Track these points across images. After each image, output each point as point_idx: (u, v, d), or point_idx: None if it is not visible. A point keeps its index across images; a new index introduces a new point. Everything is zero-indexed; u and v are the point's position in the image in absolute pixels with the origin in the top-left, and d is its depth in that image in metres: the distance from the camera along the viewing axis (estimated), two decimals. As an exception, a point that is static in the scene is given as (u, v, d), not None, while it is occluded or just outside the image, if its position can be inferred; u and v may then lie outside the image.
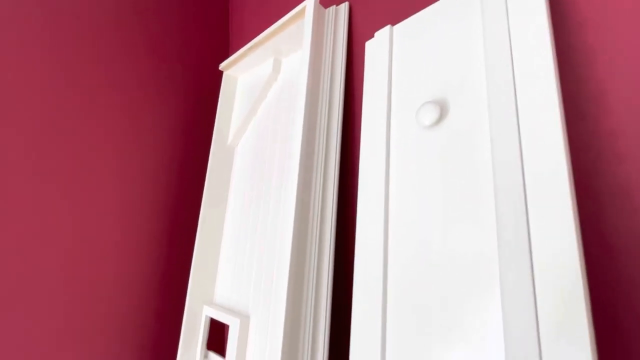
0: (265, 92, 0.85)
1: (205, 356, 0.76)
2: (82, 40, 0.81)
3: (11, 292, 0.67)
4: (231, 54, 1.05)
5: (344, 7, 0.73)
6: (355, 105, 0.71)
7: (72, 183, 0.76)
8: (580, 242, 0.33)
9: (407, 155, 0.53)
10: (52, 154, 0.74)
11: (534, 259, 0.35)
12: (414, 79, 0.55)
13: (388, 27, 0.61)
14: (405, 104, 0.56)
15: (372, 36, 0.66)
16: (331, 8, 0.73)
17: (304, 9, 0.70)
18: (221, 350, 0.84)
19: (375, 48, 0.63)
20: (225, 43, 1.14)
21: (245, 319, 0.68)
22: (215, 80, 1.03)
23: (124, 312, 0.80)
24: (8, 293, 0.66)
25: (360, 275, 0.54)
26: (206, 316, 0.76)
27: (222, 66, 0.95)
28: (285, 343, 0.58)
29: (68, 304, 0.72)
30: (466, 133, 0.46)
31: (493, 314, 0.37)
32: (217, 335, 0.84)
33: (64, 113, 0.76)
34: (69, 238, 0.74)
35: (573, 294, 0.31)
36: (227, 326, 0.73)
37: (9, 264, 0.67)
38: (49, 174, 0.73)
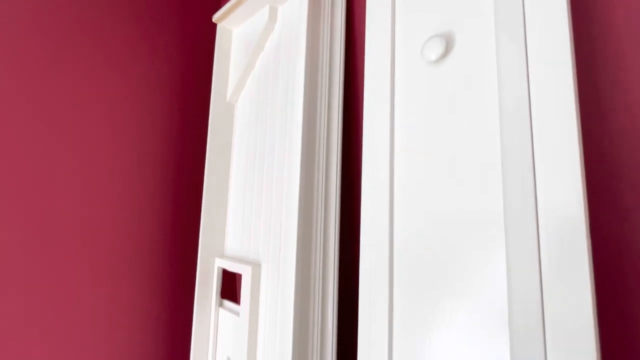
0: (262, 43, 0.82)
1: (220, 304, 0.80)
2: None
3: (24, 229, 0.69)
4: (224, 5, 1.00)
5: (341, -58, 0.68)
6: (357, 48, 0.68)
7: (74, 142, 0.76)
8: (585, 191, 0.32)
9: (413, 94, 0.52)
10: (47, 113, 0.73)
11: (539, 206, 0.34)
12: (418, 14, 0.53)
13: (390, -41, 0.57)
14: (410, 40, 0.54)
15: (373, -28, 0.62)
16: (328, -56, 0.68)
17: (299, -54, 0.66)
18: (235, 299, 0.88)
19: (377, -17, 0.59)
20: (216, -6, 1.08)
21: (256, 266, 0.70)
22: (210, 34, 0.99)
23: (143, 268, 0.83)
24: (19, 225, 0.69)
25: (367, 225, 0.55)
26: (218, 267, 0.79)
27: (215, 18, 0.91)
28: (297, 286, 0.60)
29: (82, 261, 0.75)
30: (473, 70, 0.44)
31: (497, 266, 0.37)
32: (230, 285, 0.88)
33: (58, 77, 0.74)
34: (79, 190, 0.75)
35: (575, 243, 0.31)
36: (239, 276, 0.76)
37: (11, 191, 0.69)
38: (47, 131, 0.73)
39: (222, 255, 0.83)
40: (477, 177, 0.41)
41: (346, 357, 0.68)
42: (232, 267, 0.75)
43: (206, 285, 0.81)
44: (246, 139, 0.83)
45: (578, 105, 0.34)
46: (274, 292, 0.67)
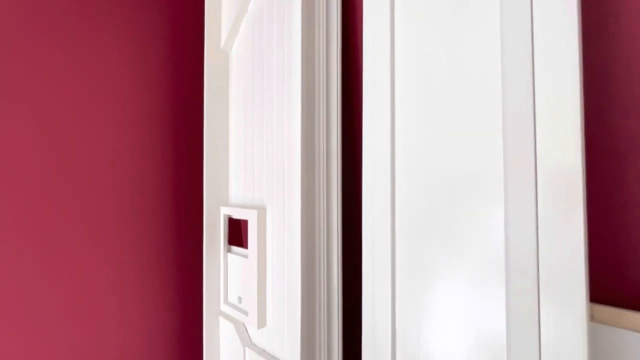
0: (254, -18, 0.77)
1: (228, 250, 0.83)
2: None
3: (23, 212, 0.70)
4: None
5: None
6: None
7: (69, 95, 0.74)
8: (584, 144, 0.32)
9: (412, 43, 0.49)
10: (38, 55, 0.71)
11: (538, 157, 0.34)
12: None
13: None
14: None
15: None
16: None
17: None
18: (242, 246, 0.91)
19: None
20: None
21: (262, 210, 0.72)
22: (197, -22, 0.94)
23: (150, 221, 0.85)
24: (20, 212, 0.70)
25: (369, 173, 0.54)
26: (224, 215, 0.82)
27: (202, -43, 0.85)
28: (303, 227, 0.62)
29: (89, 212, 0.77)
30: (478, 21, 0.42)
31: (495, 216, 0.37)
32: (236, 235, 0.91)
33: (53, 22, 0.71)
34: (78, 144, 0.75)
35: (572, 194, 0.31)
36: (245, 224, 0.78)
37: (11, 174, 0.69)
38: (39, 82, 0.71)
39: (227, 204, 0.85)
40: (477, 129, 0.40)
41: (351, 296, 0.72)
42: (238, 214, 0.78)
43: (213, 233, 0.84)
44: (243, 85, 0.82)
45: (582, 59, 0.33)
46: (279, 234, 0.70)
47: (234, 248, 0.82)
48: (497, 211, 0.37)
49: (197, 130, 0.93)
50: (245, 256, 0.76)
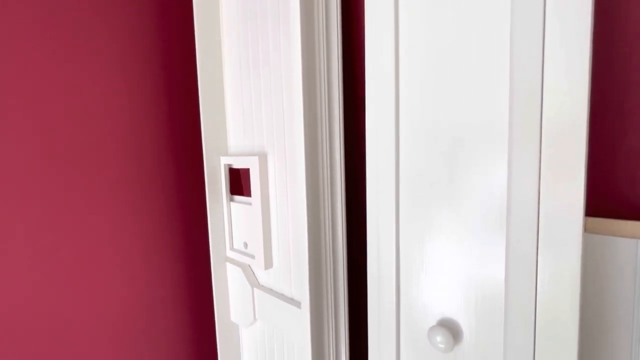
0: None
1: (231, 200, 0.84)
2: None
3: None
4: None
5: None
6: None
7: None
8: (589, 98, 0.31)
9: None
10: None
11: (544, 110, 0.33)
12: None
13: None
14: None
15: None
16: None
17: None
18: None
19: None
20: None
21: (262, 156, 0.73)
22: None
23: (153, 171, 0.85)
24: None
25: (372, 125, 0.52)
26: (224, 164, 0.82)
27: None
28: (308, 171, 0.63)
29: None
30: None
31: (499, 170, 0.37)
32: (238, 185, 0.92)
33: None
34: (77, 100, 0.73)
35: (574, 149, 0.32)
36: (246, 174, 0.79)
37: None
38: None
39: (227, 154, 0.85)
40: (483, 81, 0.39)
41: (356, 244, 0.75)
42: (239, 163, 0.78)
43: (215, 184, 0.85)
44: (236, 29, 0.78)
45: (594, 11, 0.31)
46: (282, 180, 0.71)
47: (237, 197, 0.83)
48: (500, 164, 0.37)
49: (192, 80, 0.90)
50: (249, 204, 0.78)
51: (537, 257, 0.34)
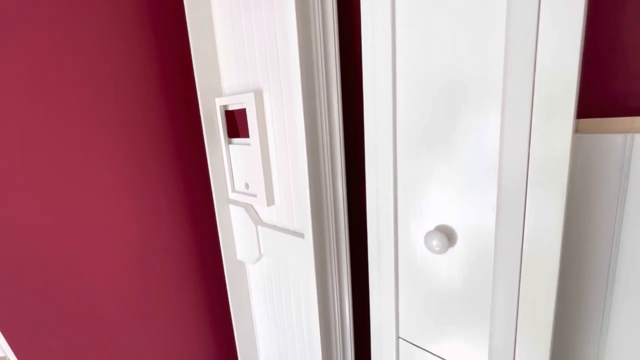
0: None
1: (230, 142, 0.85)
2: None
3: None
4: None
5: None
6: None
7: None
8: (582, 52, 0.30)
9: None
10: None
11: (537, 63, 0.33)
12: None
13: None
14: None
15: None
16: None
17: None
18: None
19: None
20: None
21: (258, 92, 0.72)
22: None
23: (149, 115, 0.84)
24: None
25: (370, 78, 0.49)
26: (220, 106, 0.81)
27: None
28: (305, 107, 0.62)
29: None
30: None
31: (492, 124, 0.37)
32: (235, 128, 0.92)
33: None
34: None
35: (565, 100, 0.31)
36: (243, 115, 0.78)
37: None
38: None
39: (222, 95, 0.84)
40: (478, 33, 0.37)
41: (354, 187, 0.76)
42: (234, 102, 0.77)
43: (212, 127, 0.85)
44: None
45: None
46: (279, 116, 0.71)
47: (235, 139, 0.83)
48: (494, 117, 0.38)
49: (182, 23, 0.86)
50: (247, 144, 0.78)
51: (525, 199, 0.36)
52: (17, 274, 0.70)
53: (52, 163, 0.72)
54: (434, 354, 0.49)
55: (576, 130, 0.34)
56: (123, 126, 0.81)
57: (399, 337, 0.54)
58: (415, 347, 0.51)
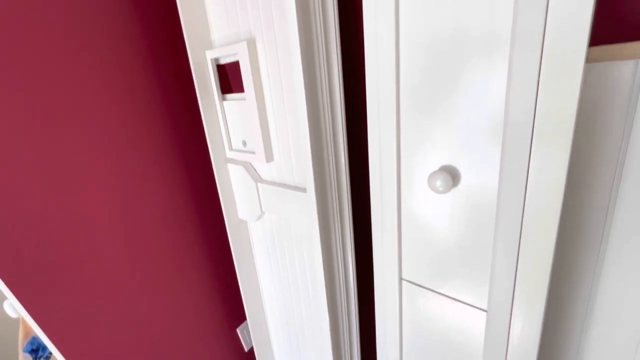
0: None
1: (224, 99, 0.82)
2: None
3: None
4: None
5: None
6: None
7: None
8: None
9: None
10: None
11: (548, 20, 0.31)
12: None
13: None
14: None
15: None
16: None
17: None
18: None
19: None
20: None
21: (251, 41, 0.68)
22: None
23: (137, 73, 0.80)
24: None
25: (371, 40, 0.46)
26: (211, 59, 0.77)
27: None
28: (303, 54, 0.59)
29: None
30: None
31: (498, 78, 0.36)
32: (229, 84, 0.89)
33: None
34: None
35: (575, 57, 0.30)
36: (235, 69, 0.75)
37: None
38: None
39: (212, 47, 0.80)
40: None
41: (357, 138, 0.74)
42: (226, 55, 0.73)
43: (204, 82, 0.81)
44: None
45: None
46: (274, 67, 0.68)
47: (229, 95, 0.80)
48: (501, 73, 0.36)
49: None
50: (242, 99, 0.76)
51: (530, 151, 0.36)
52: (23, 233, 0.70)
53: (44, 135, 0.70)
54: (436, 292, 0.51)
55: (586, 59, 0.33)
56: (106, 88, 0.78)
57: (401, 279, 0.55)
58: (418, 286, 0.53)
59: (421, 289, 0.53)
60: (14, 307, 0.81)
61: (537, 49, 0.33)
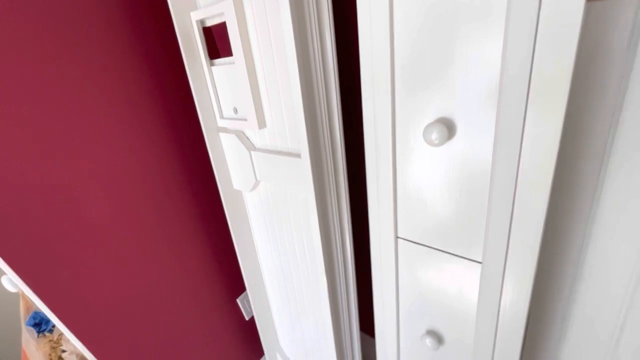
0: None
1: (212, 64, 0.79)
2: None
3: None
4: None
5: None
6: None
7: None
8: None
9: None
10: None
11: None
12: None
13: None
14: None
15: None
16: None
17: None
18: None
19: None
20: None
21: (238, 2, 0.65)
22: None
23: (121, 39, 0.77)
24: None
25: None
26: (196, 21, 0.74)
27: None
28: (293, 9, 0.56)
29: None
30: None
31: (493, 46, 0.35)
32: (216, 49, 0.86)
33: None
34: None
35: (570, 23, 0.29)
36: (224, 28, 0.71)
37: None
38: None
39: (196, 8, 0.76)
40: None
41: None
42: (211, 13, 0.69)
43: (191, 47, 0.78)
44: None
45: None
46: (263, 27, 0.64)
47: (217, 60, 0.77)
48: (495, 40, 0.35)
49: None
50: (232, 63, 0.73)
51: (526, 103, 0.35)
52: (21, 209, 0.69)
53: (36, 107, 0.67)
54: (432, 247, 0.52)
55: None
56: (86, 62, 0.74)
57: (397, 237, 0.56)
58: (413, 243, 0.54)
59: (417, 245, 0.53)
60: (12, 282, 0.81)
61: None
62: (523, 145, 0.37)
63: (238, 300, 1.23)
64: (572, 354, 0.61)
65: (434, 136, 0.43)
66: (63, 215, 0.76)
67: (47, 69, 0.69)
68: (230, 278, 1.18)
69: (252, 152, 0.81)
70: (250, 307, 1.25)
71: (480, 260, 0.47)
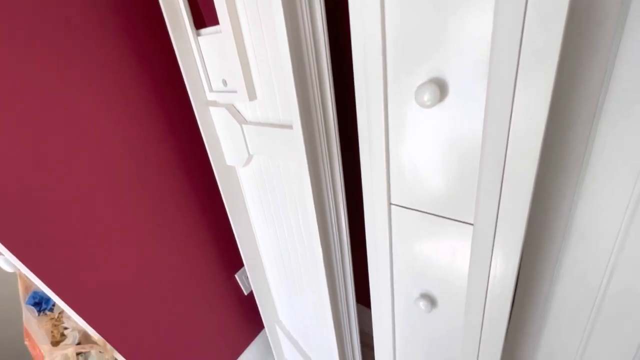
0: None
1: (198, 34, 0.76)
2: None
3: None
4: None
5: None
6: None
7: None
8: None
9: None
10: None
11: None
12: None
13: None
14: None
15: None
16: None
17: None
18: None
19: None
20: None
21: (221, -39, 0.62)
22: None
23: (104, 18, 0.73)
24: None
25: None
26: (180, -12, 0.70)
27: None
28: None
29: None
30: None
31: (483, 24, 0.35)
32: (202, 15, 0.82)
33: None
34: None
35: None
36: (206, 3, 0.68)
37: None
38: None
39: (180, -26, 0.72)
40: None
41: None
42: (195, -20, 0.67)
43: (175, 16, 0.75)
44: None
45: None
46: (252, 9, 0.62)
47: (203, 30, 0.74)
48: (486, 19, 0.35)
49: None
50: (218, 32, 0.70)
51: (517, 66, 0.35)
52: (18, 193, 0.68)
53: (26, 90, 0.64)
54: (425, 212, 0.52)
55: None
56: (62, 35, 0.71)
57: (390, 204, 0.56)
58: (407, 209, 0.54)
59: (410, 211, 0.54)
60: (9, 262, 0.81)
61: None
62: (514, 107, 0.36)
63: (236, 276, 1.25)
64: (561, 305, 0.63)
65: (426, 97, 0.42)
66: (56, 192, 0.75)
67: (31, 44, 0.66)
68: (227, 254, 1.20)
69: (244, 126, 0.79)
70: (248, 282, 1.27)
71: (471, 222, 0.47)
